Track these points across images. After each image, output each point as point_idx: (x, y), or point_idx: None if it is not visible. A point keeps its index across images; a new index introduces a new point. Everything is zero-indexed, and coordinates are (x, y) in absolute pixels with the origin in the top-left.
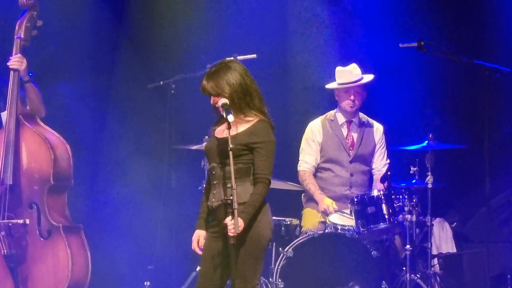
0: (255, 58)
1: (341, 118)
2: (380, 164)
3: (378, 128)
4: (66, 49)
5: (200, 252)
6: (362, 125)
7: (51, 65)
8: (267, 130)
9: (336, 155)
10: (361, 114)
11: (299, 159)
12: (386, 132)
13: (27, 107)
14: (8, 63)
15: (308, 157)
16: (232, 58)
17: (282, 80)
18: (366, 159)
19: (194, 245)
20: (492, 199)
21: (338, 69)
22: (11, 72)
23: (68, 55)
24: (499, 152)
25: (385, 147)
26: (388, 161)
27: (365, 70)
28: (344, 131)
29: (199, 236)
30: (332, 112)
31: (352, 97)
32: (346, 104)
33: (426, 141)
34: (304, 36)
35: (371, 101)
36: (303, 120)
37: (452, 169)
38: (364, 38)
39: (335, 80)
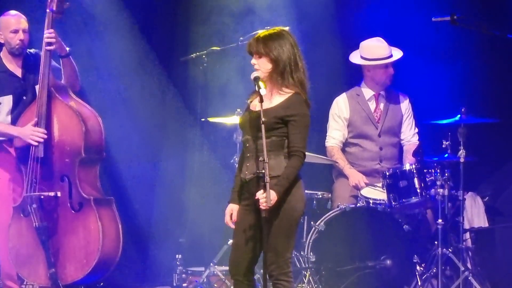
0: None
1: (368, 92)
2: (409, 134)
3: (403, 98)
4: (98, 22)
5: (232, 226)
6: (388, 97)
7: (85, 37)
8: (301, 103)
9: (364, 130)
10: (386, 87)
11: (327, 134)
12: (418, 107)
13: (62, 81)
14: (44, 40)
15: (335, 132)
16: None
17: (311, 53)
18: (394, 131)
19: (227, 219)
20: None
21: (368, 44)
22: (44, 46)
23: (101, 28)
24: None
25: (412, 116)
26: (417, 130)
27: (397, 44)
28: (372, 105)
29: (232, 210)
30: (357, 87)
31: (391, 71)
32: (386, 78)
33: (459, 115)
34: (332, 9)
35: (403, 76)
36: (332, 93)
37: (484, 143)
38: (397, 11)
39: (360, 54)
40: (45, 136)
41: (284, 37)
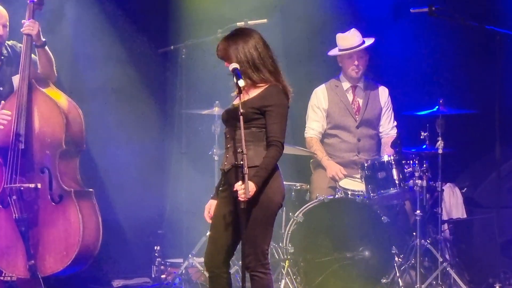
0: (266, 23)
1: (345, 84)
2: (388, 127)
3: (383, 91)
4: (77, 12)
5: (209, 221)
6: (367, 89)
7: (63, 27)
8: (278, 93)
9: (342, 121)
10: (365, 79)
11: (306, 126)
12: (397, 98)
13: (39, 71)
14: (22, 29)
15: (314, 123)
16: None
17: (290, 46)
18: (373, 123)
19: (206, 213)
20: (502, 164)
21: (339, 35)
22: (24, 37)
23: (78, 19)
24: (510, 117)
25: (391, 109)
26: (395, 123)
27: (375, 36)
28: (350, 96)
29: (211, 205)
30: (336, 79)
31: (356, 62)
32: (351, 70)
33: (437, 107)
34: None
35: (381, 67)
36: (309, 86)
37: (462, 134)
38: (376, 2)
39: (337, 47)
40: (9, 118)
41: (247, 38)
